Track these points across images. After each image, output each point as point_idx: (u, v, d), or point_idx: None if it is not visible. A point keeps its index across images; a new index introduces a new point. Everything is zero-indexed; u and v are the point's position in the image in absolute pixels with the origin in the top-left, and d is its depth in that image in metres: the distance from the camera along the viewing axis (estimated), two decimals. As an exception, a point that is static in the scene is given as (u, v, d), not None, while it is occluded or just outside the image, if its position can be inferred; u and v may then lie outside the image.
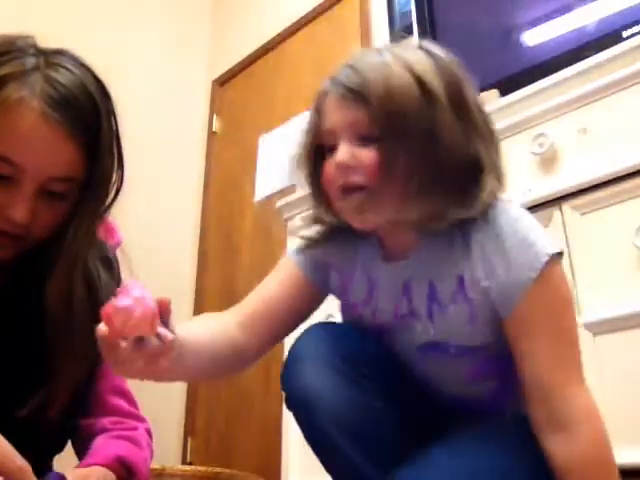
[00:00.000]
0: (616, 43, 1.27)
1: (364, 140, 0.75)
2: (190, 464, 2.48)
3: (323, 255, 0.88)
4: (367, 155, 0.74)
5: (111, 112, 0.81)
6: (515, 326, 0.74)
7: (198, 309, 2.92)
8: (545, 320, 0.73)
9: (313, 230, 0.88)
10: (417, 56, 0.77)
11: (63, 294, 0.77)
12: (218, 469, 1.75)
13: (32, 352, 0.78)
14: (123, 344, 0.60)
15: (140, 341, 0.61)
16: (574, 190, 1.22)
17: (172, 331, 0.65)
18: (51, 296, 0.77)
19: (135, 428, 0.88)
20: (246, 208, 2.89)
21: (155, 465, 1.63)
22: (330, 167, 0.77)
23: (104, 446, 0.82)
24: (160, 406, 2.61)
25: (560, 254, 0.74)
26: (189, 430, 2.72)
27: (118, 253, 0.92)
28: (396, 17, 2.47)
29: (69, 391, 0.79)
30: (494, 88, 1.51)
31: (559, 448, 0.70)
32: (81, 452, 0.84)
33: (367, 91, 0.74)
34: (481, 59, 1.70)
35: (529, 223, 0.75)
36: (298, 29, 2.95)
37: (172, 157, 3.07)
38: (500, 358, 0.79)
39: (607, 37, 1.37)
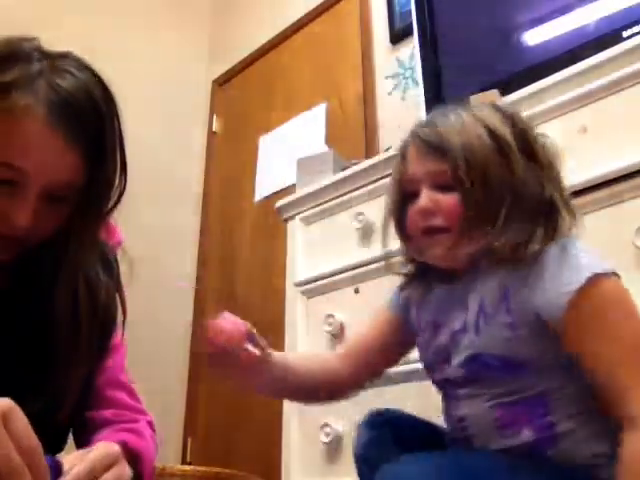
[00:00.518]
0: (616, 43, 1.27)
1: (443, 188, 0.85)
2: (190, 464, 2.48)
3: (408, 293, 0.99)
4: (448, 200, 0.84)
5: (115, 116, 0.81)
6: (569, 335, 0.77)
7: (198, 309, 2.93)
8: (598, 326, 0.76)
9: (407, 269, 0.98)
10: (486, 111, 0.88)
11: (68, 297, 0.78)
12: (218, 469, 1.75)
13: (34, 354, 0.78)
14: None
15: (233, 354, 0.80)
16: (574, 190, 1.22)
17: (263, 350, 0.82)
18: (58, 299, 0.77)
19: (136, 420, 0.88)
20: (246, 208, 2.89)
21: (155, 465, 1.63)
22: (413, 212, 0.88)
23: (106, 436, 0.81)
24: (160, 406, 2.61)
25: (615, 274, 0.79)
26: (189, 430, 2.72)
27: (119, 253, 0.92)
28: (396, 17, 2.47)
29: (77, 392, 0.79)
30: (494, 88, 1.51)
31: (629, 447, 0.71)
32: (83, 445, 0.84)
33: (446, 145, 0.84)
34: (481, 59, 1.70)
35: (580, 246, 0.82)
36: (298, 29, 2.95)
37: (172, 157, 3.07)
38: (538, 398, 0.80)
39: (607, 37, 1.37)
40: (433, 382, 0.92)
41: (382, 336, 0.99)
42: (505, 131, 0.85)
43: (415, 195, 0.88)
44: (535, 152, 0.86)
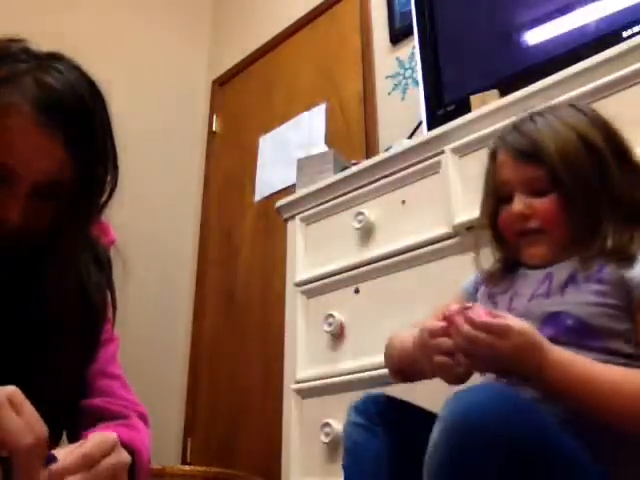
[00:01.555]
0: (616, 43, 1.26)
1: (537, 192, 0.90)
2: (190, 464, 2.48)
3: (480, 281, 1.03)
4: (544, 204, 0.90)
5: (103, 113, 0.81)
6: None
7: (198, 309, 2.93)
8: None
9: (493, 265, 1.01)
10: (573, 115, 0.93)
11: (59, 292, 0.79)
12: (218, 469, 1.75)
13: (20, 346, 0.78)
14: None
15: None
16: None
17: None
18: (48, 292, 0.78)
19: (126, 409, 0.87)
20: (246, 208, 2.89)
21: (155, 465, 1.63)
22: (507, 214, 0.94)
23: (99, 430, 0.81)
24: (160, 406, 2.61)
25: None
26: (189, 430, 2.72)
27: (112, 251, 0.92)
28: (396, 17, 2.47)
29: (65, 381, 0.80)
30: (494, 88, 1.51)
31: None
32: (74, 437, 0.83)
33: (541, 152, 0.89)
34: (481, 59, 1.70)
35: None
36: (298, 29, 2.95)
37: (172, 157, 3.07)
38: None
39: (607, 37, 1.37)
40: None
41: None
42: (595, 135, 0.90)
43: (507, 199, 0.94)
44: (627, 155, 0.91)
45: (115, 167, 0.83)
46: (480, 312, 0.77)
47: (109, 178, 0.82)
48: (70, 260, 0.80)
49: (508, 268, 0.98)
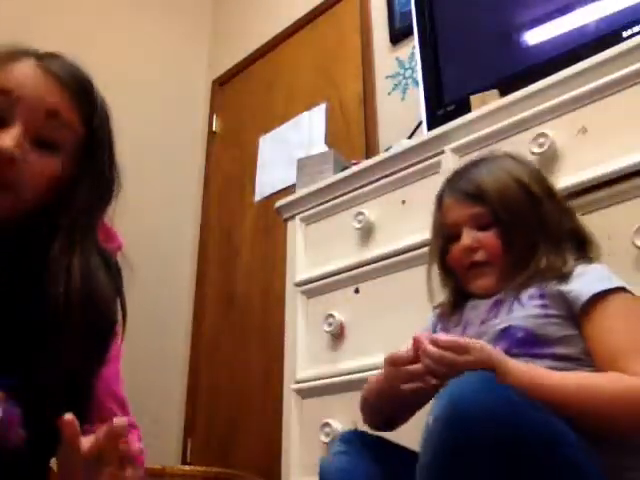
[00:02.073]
0: (616, 43, 1.26)
1: (482, 227, 1.03)
2: (190, 464, 2.48)
3: (440, 311, 1.13)
4: (488, 237, 1.02)
5: (104, 105, 0.84)
6: (586, 322, 0.91)
7: (198, 309, 2.93)
8: (614, 315, 0.90)
9: (445, 299, 1.11)
10: (510, 163, 1.08)
11: (59, 286, 0.77)
12: (218, 469, 1.75)
13: (30, 329, 0.78)
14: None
15: None
16: (574, 190, 1.22)
17: None
18: (49, 285, 0.77)
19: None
20: (246, 208, 2.89)
21: (155, 465, 1.63)
22: (457, 250, 1.05)
23: None
24: (160, 406, 2.61)
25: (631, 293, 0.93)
26: (189, 430, 2.72)
27: (119, 256, 0.92)
28: (396, 17, 2.47)
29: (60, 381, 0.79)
30: (494, 88, 1.51)
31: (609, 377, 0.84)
32: None
33: (483, 194, 1.03)
34: (481, 59, 1.70)
35: (607, 270, 0.97)
36: (298, 29, 2.95)
37: (172, 157, 3.07)
38: None
39: (607, 37, 1.37)
40: None
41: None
42: (528, 178, 1.04)
43: (455, 238, 1.05)
44: (553, 194, 1.05)
45: (116, 168, 0.84)
46: (442, 335, 0.87)
47: (114, 175, 0.83)
48: (75, 256, 0.79)
49: (458, 302, 1.08)
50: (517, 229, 1.00)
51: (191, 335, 2.89)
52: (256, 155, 2.92)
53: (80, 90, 0.80)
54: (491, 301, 1.01)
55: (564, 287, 0.94)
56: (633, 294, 0.94)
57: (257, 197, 2.84)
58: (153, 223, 2.83)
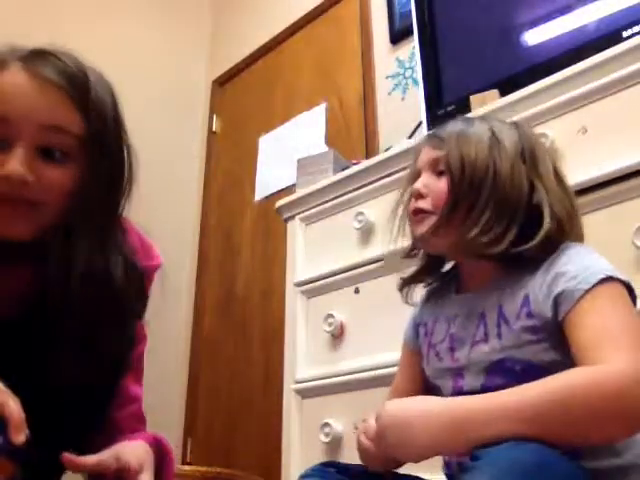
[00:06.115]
0: (616, 43, 1.26)
1: (440, 174, 0.90)
2: (190, 464, 2.48)
3: (419, 318, 1.02)
4: (438, 185, 0.90)
5: (105, 93, 0.82)
6: (568, 326, 0.78)
7: (198, 309, 2.93)
8: (596, 315, 0.77)
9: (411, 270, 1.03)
10: (500, 123, 0.94)
11: (61, 275, 0.78)
12: (218, 469, 1.75)
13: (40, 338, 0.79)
14: None
15: None
16: (574, 190, 1.22)
17: None
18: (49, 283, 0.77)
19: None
20: (246, 208, 2.89)
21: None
22: (410, 195, 0.94)
23: (135, 435, 0.84)
24: (160, 406, 2.61)
25: (622, 282, 0.80)
26: (189, 430, 2.72)
27: (156, 276, 0.92)
28: (396, 17, 2.47)
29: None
30: (494, 88, 1.51)
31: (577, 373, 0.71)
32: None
33: (444, 136, 0.92)
34: (481, 59, 1.70)
35: (592, 254, 0.84)
36: (298, 29, 2.95)
37: (172, 157, 3.07)
38: None
39: (607, 37, 1.37)
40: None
41: (409, 371, 1.01)
42: (507, 135, 0.90)
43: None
44: (536, 164, 0.89)
45: (130, 163, 0.83)
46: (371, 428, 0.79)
47: (123, 157, 0.83)
48: (81, 253, 0.78)
49: (431, 268, 1.00)
50: (465, 182, 0.86)
51: (191, 335, 2.89)
52: (256, 155, 2.92)
53: (74, 87, 0.77)
54: (470, 312, 0.89)
55: (555, 288, 0.81)
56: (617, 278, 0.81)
57: (257, 197, 2.84)
58: (153, 223, 2.82)
